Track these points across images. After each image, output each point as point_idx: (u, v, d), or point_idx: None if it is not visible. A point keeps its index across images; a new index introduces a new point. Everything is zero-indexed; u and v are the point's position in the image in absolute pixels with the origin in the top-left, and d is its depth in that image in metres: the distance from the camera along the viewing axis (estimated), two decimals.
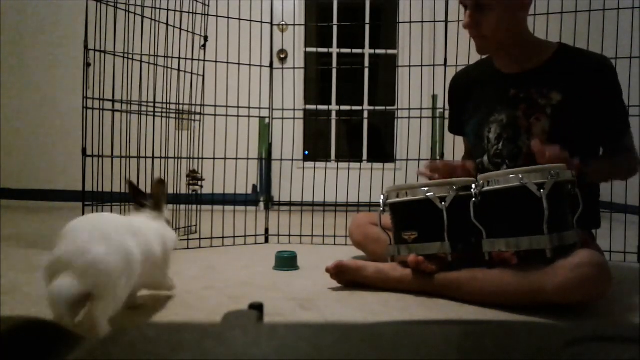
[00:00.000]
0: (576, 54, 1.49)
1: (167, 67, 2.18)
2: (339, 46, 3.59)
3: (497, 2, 1.40)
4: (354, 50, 3.61)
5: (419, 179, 1.94)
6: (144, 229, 1.15)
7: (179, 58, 2.19)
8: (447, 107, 1.81)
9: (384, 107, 3.56)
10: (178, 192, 2.32)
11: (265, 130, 3.23)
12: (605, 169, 1.44)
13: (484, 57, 1.69)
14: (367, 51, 3.59)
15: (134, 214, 1.26)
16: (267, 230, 2.24)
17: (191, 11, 2.23)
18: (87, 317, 0.94)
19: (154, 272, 1.17)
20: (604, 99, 1.43)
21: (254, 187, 3.48)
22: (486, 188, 1.24)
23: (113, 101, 1.94)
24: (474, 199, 1.25)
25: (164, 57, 2.14)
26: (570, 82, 1.43)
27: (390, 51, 3.71)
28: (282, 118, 2.46)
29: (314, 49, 3.68)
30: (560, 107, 1.42)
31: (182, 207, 2.33)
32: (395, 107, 3.40)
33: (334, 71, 3.64)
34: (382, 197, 1.40)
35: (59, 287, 0.90)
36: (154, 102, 2.15)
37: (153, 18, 2.10)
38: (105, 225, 1.03)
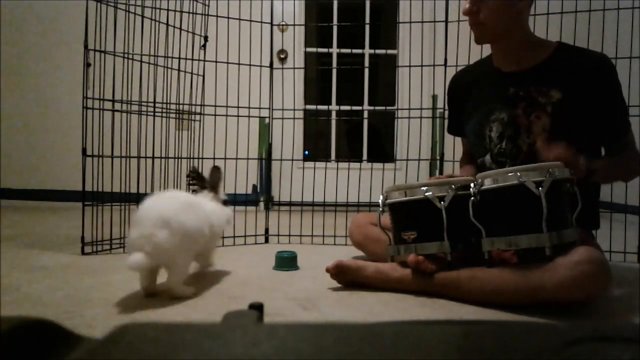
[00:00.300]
0: (575, 52, 1.49)
1: (167, 67, 2.18)
2: (339, 46, 3.59)
3: None
4: (354, 50, 3.61)
5: (418, 177, 1.95)
6: (205, 207, 1.44)
7: (179, 58, 2.18)
8: (447, 107, 1.81)
9: (384, 107, 3.56)
10: None
11: (265, 130, 3.23)
12: (611, 169, 1.43)
13: (483, 57, 1.69)
14: (367, 51, 3.59)
15: (196, 195, 1.55)
16: (267, 230, 2.24)
17: (191, 11, 2.23)
18: (165, 286, 1.29)
19: (205, 245, 1.44)
20: (604, 97, 1.43)
21: (254, 187, 3.48)
22: (485, 187, 1.24)
23: (113, 101, 1.94)
24: (472, 198, 1.25)
25: (164, 57, 2.14)
26: (570, 80, 1.43)
27: (390, 51, 3.71)
28: (282, 118, 2.46)
29: (314, 49, 3.68)
30: (560, 105, 1.42)
31: None
32: (395, 107, 3.41)
33: (334, 71, 3.64)
34: (381, 197, 1.40)
35: (132, 262, 1.20)
36: (154, 102, 2.15)
37: (153, 18, 2.10)
38: (168, 208, 1.30)
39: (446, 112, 1.82)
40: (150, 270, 1.28)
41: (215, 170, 1.59)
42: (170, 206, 1.31)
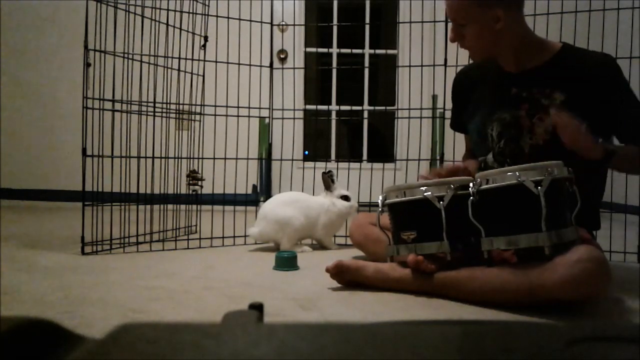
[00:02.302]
0: (579, 53, 1.49)
1: (167, 67, 2.18)
2: (339, 46, 3.59)
3: (468, 20, 1.44)
4: (354, 50, 3.61)
5: (418, 178, 1.94)
6: (309, 203, 2.04)
7: (179, 58, 2.18)
8: (447, 107, 1.80)
9: (384, 107, 3.55)
10: (178, 192, 2.32)
11: (265, 130, 3.23)
12: (630, 156, 1.40)
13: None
14: (367, 51, 3.59)
15: (322, 194, 2.12)
16: None
17: (191, 11, 2.23)
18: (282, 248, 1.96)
19: (316, 230, 2.05)
20: (613, 96, 1.42)
21: (254, 187, 3.48)
22: (484, 186, 1.24)
23: (113, 101, 1.94)
24: (472, 198, 1.25)
25: (164, 57, 2.14)
26: (573, 82, 1.42)
27: (390, 51, 3.70)
28: (282, 118, 2.46)
29: (314, 49, 3.68)
30: (563, 107, 1.42)
31: (182, 207, 2.34)
32: (395, 107, 3.40)
33: (334, 71, 3.64)
34: (380, 197, 1.40)
35: (248, 232, 2.05)
36: (154, 102, 2.15)
37: (153, 18, 2.10)
38: (270, 205, 2.03)
39: (446, 112, 1.81)
40: (263, 239, 2.04)
41: (324, 175, 2.11)
42: (272, 203, 2.04)
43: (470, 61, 1.74)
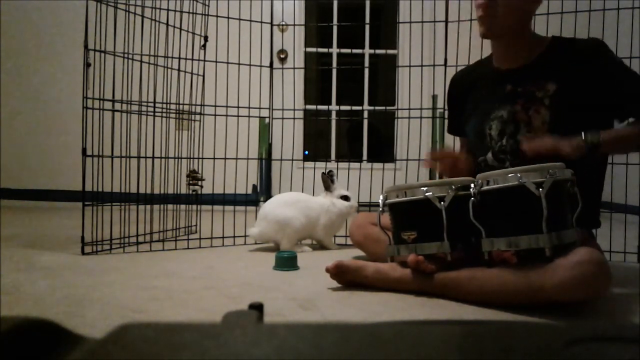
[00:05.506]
0: (568, 42, 1.49)
1: (167, 67, 2.18)
2: (339, 46, 3.59)
3: None
4: (354, 50, 3.61)
5: (418, 178, 1.94)
6: (310, 204, 2.04)
7: (179, 58, 2.18)
8: (447, 107, 1.81)
9: (384, 107, 3.55)
10: (178, 192, 2.32)
11: (265, 130, 3.23)
12: (624, 137, 1.39)
13: (482, 58, 1.69)
14: (367, 51, 3.59)
15: (322, 194, 2.13)
16: None
17: (191, 11, 2.23)
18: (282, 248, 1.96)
19: (316, 230, 2.06)
20: (608, 76, 1.41)
21: (254, 187, 3.48)
22: (485, 187, 1.24)
23: (113, 101, 1.94)
24: (472, 199, 1.25)
25: (164, 57, 2.14)
26: (564, 70, 1.43)
27: (390, 51, 3.70)
28: (282, 118, 2.46)
29: (314, 49, 3.68)
30: (557, 96, 1.42)
31: (182, 207, 2.34)
32: (395, 107, 3.40)
33: (334, 71, 3.63)
34: (381, 197, 1.40)
35: (249, 233, 2.04)
36: (154, 102, 2.15)
37: (153, 18, 2.10)
38: (270, 205, 2.03)
39: (446, 112, 1.82)
40: (263, 239, 2.03)
41: (323, 175, 2.12)
42: (272, 203, 2.04)
43: (469, 62, 1.75)
